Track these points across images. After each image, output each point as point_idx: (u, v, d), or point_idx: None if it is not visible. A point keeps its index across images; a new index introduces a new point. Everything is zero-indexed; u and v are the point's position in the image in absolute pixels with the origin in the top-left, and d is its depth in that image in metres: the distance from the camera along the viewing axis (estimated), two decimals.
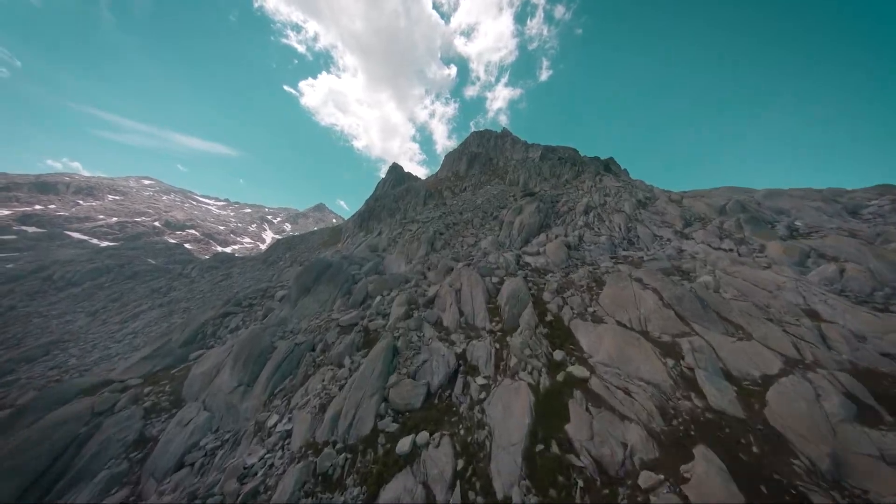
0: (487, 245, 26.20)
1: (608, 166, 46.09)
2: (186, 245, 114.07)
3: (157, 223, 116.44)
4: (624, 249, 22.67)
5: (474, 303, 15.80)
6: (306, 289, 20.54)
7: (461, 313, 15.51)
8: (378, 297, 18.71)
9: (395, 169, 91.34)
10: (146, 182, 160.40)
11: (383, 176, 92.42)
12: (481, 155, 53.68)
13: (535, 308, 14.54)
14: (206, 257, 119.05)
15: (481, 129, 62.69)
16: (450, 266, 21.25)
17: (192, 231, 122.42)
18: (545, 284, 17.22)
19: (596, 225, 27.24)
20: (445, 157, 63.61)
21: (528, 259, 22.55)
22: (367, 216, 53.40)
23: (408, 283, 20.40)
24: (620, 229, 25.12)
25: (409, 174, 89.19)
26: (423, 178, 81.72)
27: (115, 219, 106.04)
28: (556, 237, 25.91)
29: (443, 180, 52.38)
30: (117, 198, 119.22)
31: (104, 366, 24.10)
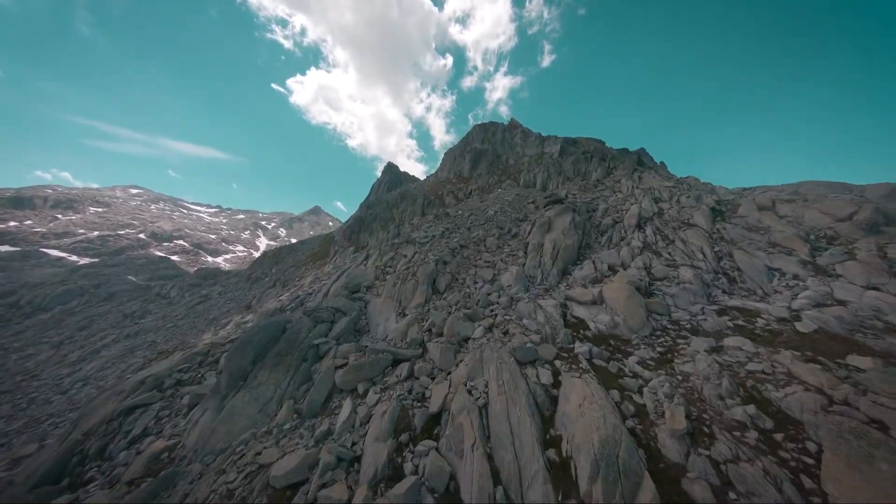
0: (511, 281, 18.56)
1: (640, 160, 37.98)
2: (174, 257, 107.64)
3: (142, 235, 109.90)
4: (725, 292, 14.98)
5: (517, 441, 8.33)
6: (241, 376, 13.14)
7: (494, 472, 8.00)
8: (349, 404, 11.25)
9: (391, 169, 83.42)
10: (133, 191, 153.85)
11: (379, 175, 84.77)
12: (487, 152, 45.64)
13: (661, 487, 6.85)
14: (195, 269, 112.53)
15: (484, 122, 54.54)
16: (463, 335, 13.71)
17: (181, 242, 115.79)
18: (642, 392, 9.50)
19: (661, 246, 19.44)
20: (445, 154, 55.62)
21: (579, 312, 14.92)
22: (358, 227, 45.75)
23: (398, 364, 12.92)
24: (705, 256, 17.34)
25: (405, 174, 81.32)
26: (422, 177, 73.94)
27: (96, 233, 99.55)
28: (611, 269, 18.14)
29: (444, 183, 44.52)
30: (99, 210, 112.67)
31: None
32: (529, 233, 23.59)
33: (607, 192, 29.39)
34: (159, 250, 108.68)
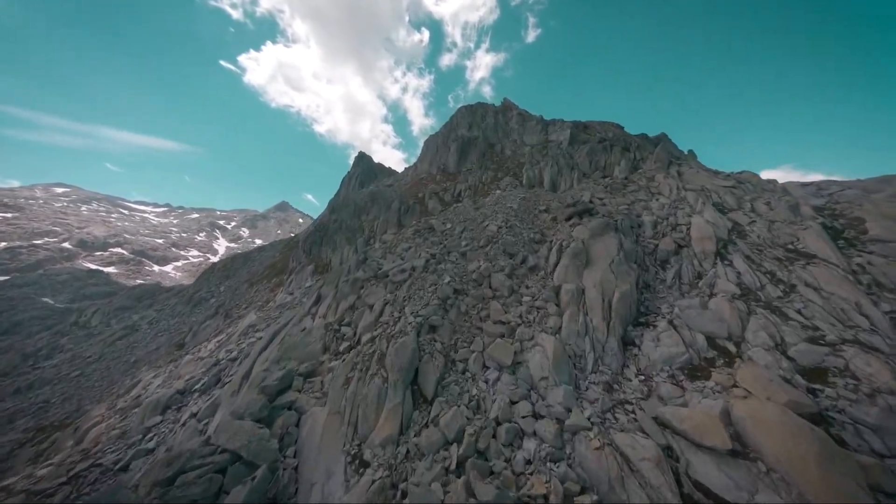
0: (548, 369, 10.80)
1: (665, 149, 30.77)
2: (109, 269, 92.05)
3: (66, 244, 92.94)
4: None
5: None
6: None
7: None
8: None
9: (363, 160, 72.66)
10: (59, 191, 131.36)
11: (351, 167, 73.91)
12: (477, 140, 36.89)
13: None
14: (135, 285, 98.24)
15: (471, 104, 45.45)
16: None
17: (118, 250, 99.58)
18: None
19: (773, 294, 12.20)
20: (425, 143, 46.31)
21: (700, 466, 7.42)
22: (320, 238, 36.39)
23: None
24: (871, 321, 10.28)
25: (380, 166, 71.06)
26: (401, 167, 64.13)
27: (3, 244, 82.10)
28: (712, 342, 10.70)
29: (425, 181, 35.58)
30: (9, 215, 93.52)
31: None
32: (556, 266, 15.74)
33: (643, 195, 21.96)
34: (90, 261, 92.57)
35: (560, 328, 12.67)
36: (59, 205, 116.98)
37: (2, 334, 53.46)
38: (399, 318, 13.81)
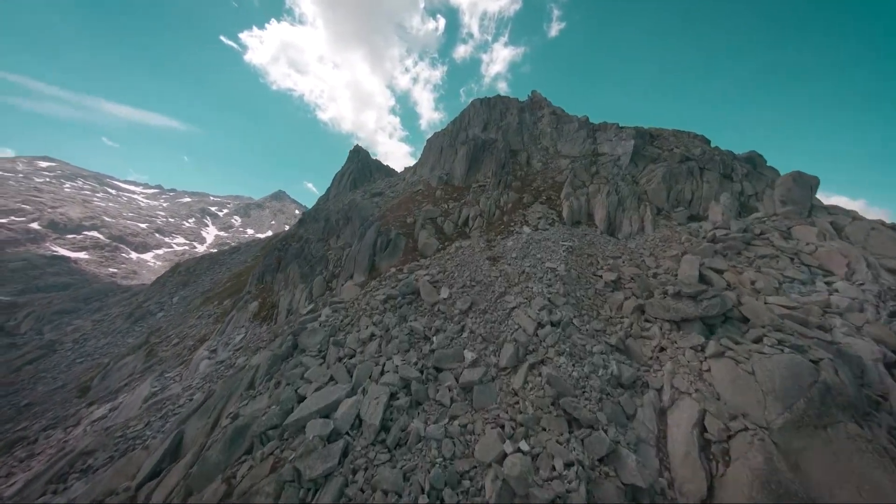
0: None
1: (802, 182, 20.38)
2: (79, 255, 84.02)
3: (34, 224, 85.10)
4: None
5: None
6: None
7: None
8: None
9: (358, 155, 62.96)
10: (43, 164, 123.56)
11: (344, 163, 64.60)
12: (495, 145, 27.04)
13: None
14: (110, 271, 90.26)
15: (488, 97, 35.50)
16: None
17: (94, 234, 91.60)
18: None
19: None
20: (429, 142, 36.62)
21: None
22: (276, 265, 27.34)
23: None
24: None
25: (377, 163, 61.43)
26: (408, 161, 54.61)
27: None
28: None
29: (421, 194, 25.96)
30: None
31: None
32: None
33: (792, 269, 12.24)
34: (60, 245, 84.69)
35: None
36: (41, 180, 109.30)
37: None
38: None
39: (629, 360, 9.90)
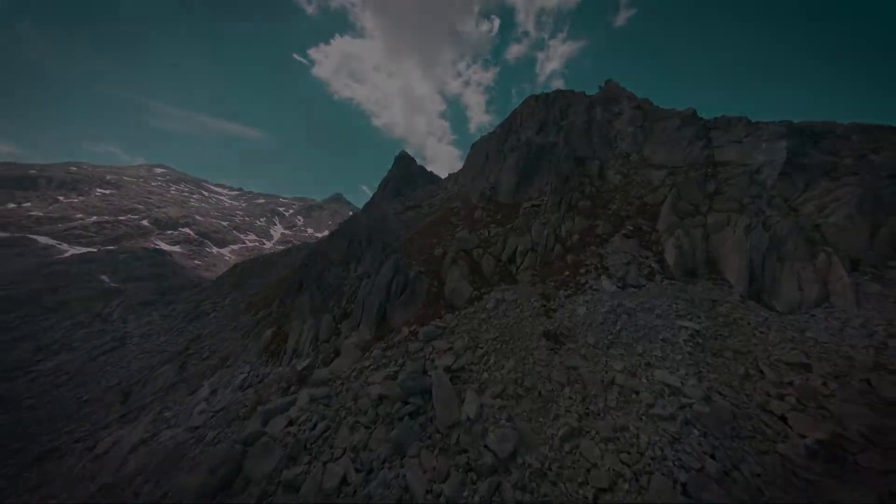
0: None
1: None
2: (174, 249, 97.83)
3: (144, 222, 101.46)
4: None
5: None
6: None
7: None
8: None
9: (403, 161, 60.81)
10: (158, 171, 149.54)
11: (390, 168, 63.49)
12: (553, 151, 21.11)
13: None
14: (195, 263, 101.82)
15: (546, 92, 29.31)
16: None
17: (186, 230, 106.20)
18: None
19: None
20: (473, 147, 31.82)
21: None
22: (299, 281, 25.31)
23: None
24: None
25: (420, 170, 58.80)
26: (457, 165, 50.95)
27: (94, 218, 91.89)
28: None
29: (455, 217, 21.33)
30: (107, 192, 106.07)
31: None
32: None
33: None
34: (161, 239, 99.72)
35: None
36: (155, 184, 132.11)
37: (48, 312, 55.79)
38: None
39: None
